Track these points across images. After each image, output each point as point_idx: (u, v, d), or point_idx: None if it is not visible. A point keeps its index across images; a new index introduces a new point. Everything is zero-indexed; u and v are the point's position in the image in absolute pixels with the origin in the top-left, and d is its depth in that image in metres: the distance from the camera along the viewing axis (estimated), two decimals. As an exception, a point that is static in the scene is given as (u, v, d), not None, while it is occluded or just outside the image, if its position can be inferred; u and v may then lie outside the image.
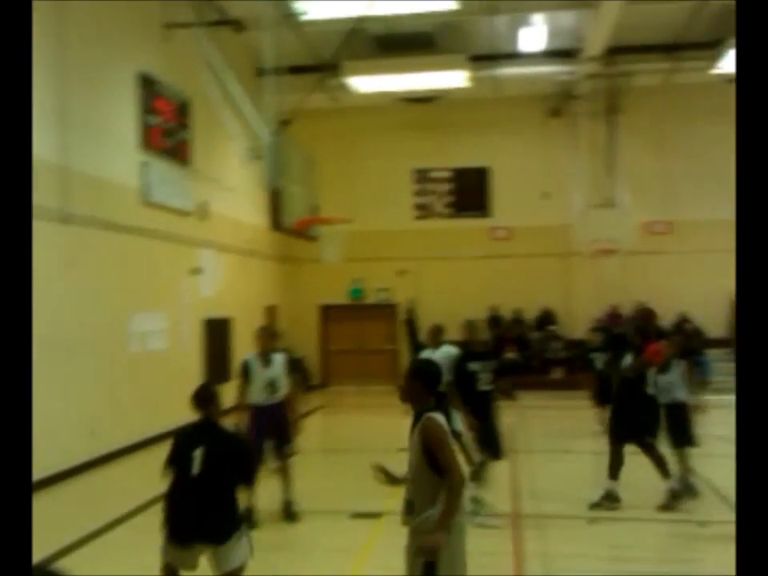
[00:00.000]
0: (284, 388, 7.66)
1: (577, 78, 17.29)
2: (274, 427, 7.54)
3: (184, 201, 13.36)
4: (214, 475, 4.62)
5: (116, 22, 11.37)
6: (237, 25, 13.96)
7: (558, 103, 18.57)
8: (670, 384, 8.03)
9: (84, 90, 10.53)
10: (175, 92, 13.15)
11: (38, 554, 4.90)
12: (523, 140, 19.31)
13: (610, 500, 7.74)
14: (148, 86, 12.23)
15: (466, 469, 8.48)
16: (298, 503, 7.74)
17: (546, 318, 19.00)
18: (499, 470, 7.95)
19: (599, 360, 10.50)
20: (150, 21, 12.25)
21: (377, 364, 18.95)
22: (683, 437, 7.95)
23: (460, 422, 7.96)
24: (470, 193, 19.72)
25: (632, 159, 18.38)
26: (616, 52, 16.01)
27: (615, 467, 7.80)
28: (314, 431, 10.57)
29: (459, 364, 7.80)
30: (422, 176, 19.94)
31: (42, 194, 9.37)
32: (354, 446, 12.03)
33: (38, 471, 8.96)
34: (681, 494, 7.69)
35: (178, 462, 4.71)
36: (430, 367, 4.33)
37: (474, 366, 7.63)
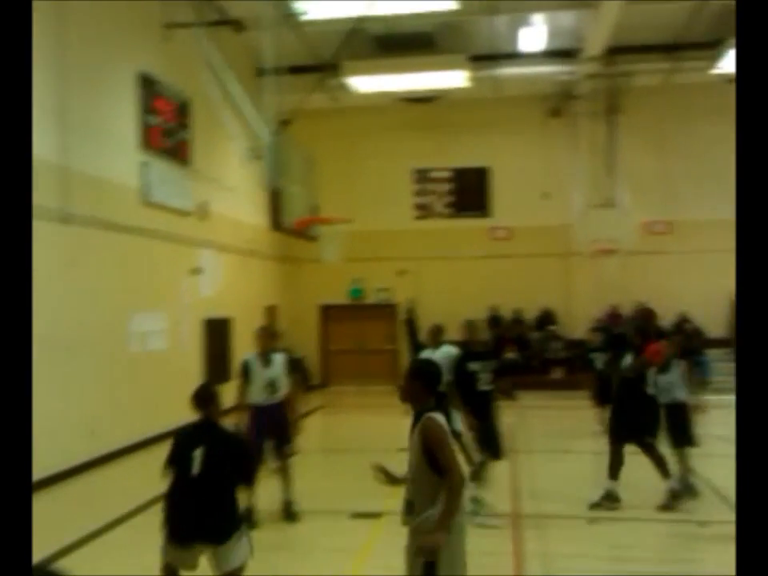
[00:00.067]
0: (284, 388, 7.66)
1: (577, 78, 17.29)
2: (274, 427, 7.54)
3: (184, 201, 13.36)
4: (213, 475, 4.62)
5: (116, 21, 11.37)
6: (237, 25, 13.97)
7: (558, 103, 18.57)
8: (670, 384, 8.03)
9: (84, 90, 10.53)
10: (175, 92, 13.15)
11: (38, 554, 4.91)
12: (523, 140, 19.31)
13: (609, 500, 7.73)
14: (148, 86, 12.23)
15: (465, 469, 8.51)
16: (298, 503, 7.74)
17: (546, 318, 19.00)
18: (499, 470, 7.95)
19: (599, 360, 10.50)
20: (150, 21, 12.25)
21: (377, 364, 18.95)
22: (683, 437, 7.95)
23: (460, 421, 7.97)
24: (470, 193, 19.73)
25: (632, 159, 18.38)
26: (616, 52, 16.01)
27: (615, 467, 7.80)
28: (314, 431, 10.57)
29: (459, 364, 7.80)
30: (422, 176, 19.94)
31: (42, 194, 9.37)
32: (354, 446, 12.03)
33: (39, 471, 8.96)
34: (681, 493, 7.69)
35: (177, 462, 4.71)
36: (430, 367, 4.33)
37: (473, 365, 7.63)
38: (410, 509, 4.10)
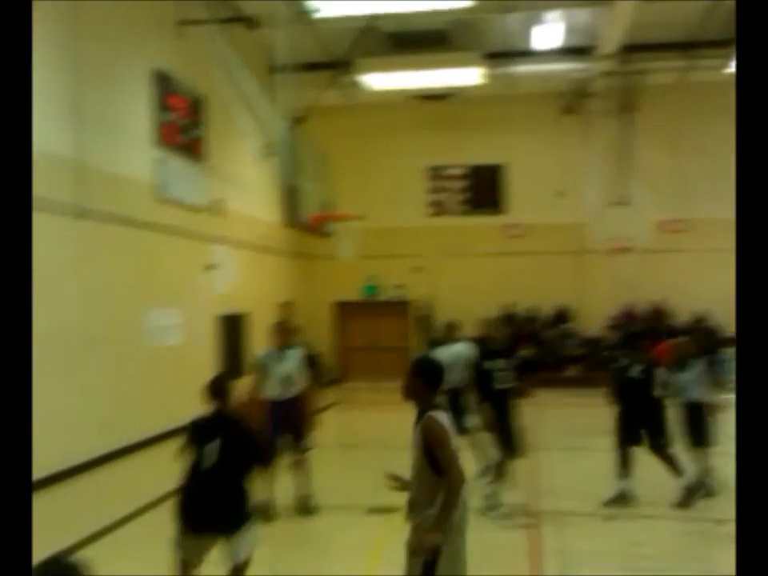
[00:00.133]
0: (299, 383, 7.67)
1: (591, 75, 17.23)
2: (290, 422, 7.54)
3: (198, 197, 13.40)
4: (226, 468, 4.65)
5: (131, 19, 11.41)
6: (250, 22, 13.98)
7: (573, 101, 18.49)
8: (688, 383, 7.97)
9: (99, 87, 10.57)
10: (189, 89, 13.19)
11: (53, 548, 4.94)
12: (537, 137, 19.24)
13: (623, 499, 7.69)
14: (162, 83, 12.27)
15: (471, 468, 8.48)
16: (314, 497, 7.75)
17: (561, 316, 18.94)
18: (516, 467, 7.91)
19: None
20: (164, 18, 12.29)
21: (391, 361, 18.91)
22: (700, 436, 7.90)
23: (472, 419, 7.95)
24: (484, 190, 19.69)
25: (647, 157, 18.29)
26: (631, 50, 15.92)
27: (623, 467, 7.74)
28: (329, 427, 10.57)
29: (476, 362, 7.79)
30: (437, 173, 19.92)
31: (57, 190, 9.44)
32: (369, 441, 12.04)
33: (54, 465, 9.05)
34: (696, 491, 7.62)
35: (192, 454, 4.73)
36: (433, 365, 4.30)
37: (490, 364, 7.59)
38: (412, 506, 4.10)
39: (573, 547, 6.59)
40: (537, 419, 9.04)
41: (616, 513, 7.46)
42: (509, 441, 7.51)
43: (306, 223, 12.05)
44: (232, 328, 14.62)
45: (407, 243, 19.24)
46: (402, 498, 4.31)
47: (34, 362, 8.76)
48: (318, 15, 13.61)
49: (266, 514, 7.37)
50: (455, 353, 8.56)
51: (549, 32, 15.17)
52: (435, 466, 3.96)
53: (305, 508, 7.68)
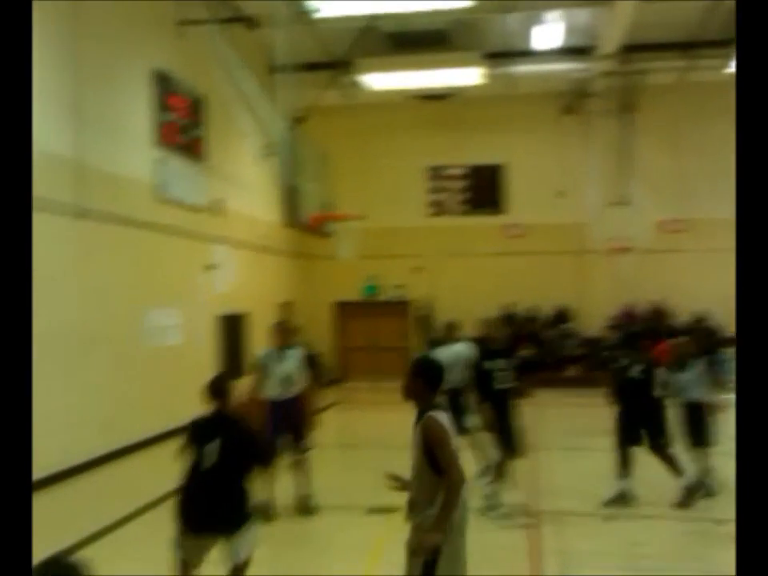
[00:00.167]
0: (299, 383, 7.67)
1: (591, 75, 17.23)
2: (290, 422, 7.54)
3: (198, 197, 13.40)
4: (226, 468, 4.66)
5: (130, 19, 11.40)
6: (250, 22, 13.98)
7: (573, 101, 18.49)
8: (688, 383, 7.97)
9: (99, 87, 10.57)
10: (189, 89, 13.19)
11: (53, 548, 4.94)
12: (537, 137, 19.24)
13: (623, 499, 7.69)
14: (162, 83, 12.27)
15: (472, 467, 8.48)
16: (314, 497, 7.75)
17: (561, 316, 18.94)
18: (516, 467, 7.91)
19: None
20: (164, 18, 12.29)
21: (391, 361, 18.91)
22: (701, 436, 7.90)
23: (472, 419, 7.95)
24: (484, 190, 19.70)
25: (647, 157, 18.29)
26: (631, 50, 15.92)
27: (623, 467, 7.74)
28: (329, 427, 10.57)
29: (476, 362, 7.78)
30: (437, 173, 19.92)
31: (57, 190, 9.44)
32: (369, 441, 12.05)
33: (54, 465, 9.05)
34: (695, 490, 7.62)
35: (192, 454, 4.73)
36: (433, 365, 4.30)
37: (490, 364, 7.58)
38: (412, 506, 4.10)
39: (573, 547, 6.59)
40: (537, 419, 9.05)
41: (616, 513, 7.47)
42: (509, 441, 7.50)
43: (306, 223, 12.04)
44: (232, 328, 14.62)
45: (407, 243, 19.24)
46: (402, 498, 4.31)
47: (35, 362, 8.76)
48: (317, 15, 13.61)
49: (266, 514, 7.37)
50: (455, 353, 8.57)
51: (549, 32, 15.17)
52: (435, 466, 3.96)
53: (305, 508, 7.68)
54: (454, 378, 8.44)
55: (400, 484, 4.28)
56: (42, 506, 8.21)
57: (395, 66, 16.08)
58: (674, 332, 13.95)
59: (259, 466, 5.04)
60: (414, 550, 3.98)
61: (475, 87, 17.13)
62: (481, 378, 7.58)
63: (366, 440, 12.45)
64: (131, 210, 11.16)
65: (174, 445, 5.05)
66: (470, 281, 18.81)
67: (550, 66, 16.73)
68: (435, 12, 14.30)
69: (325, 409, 12.13)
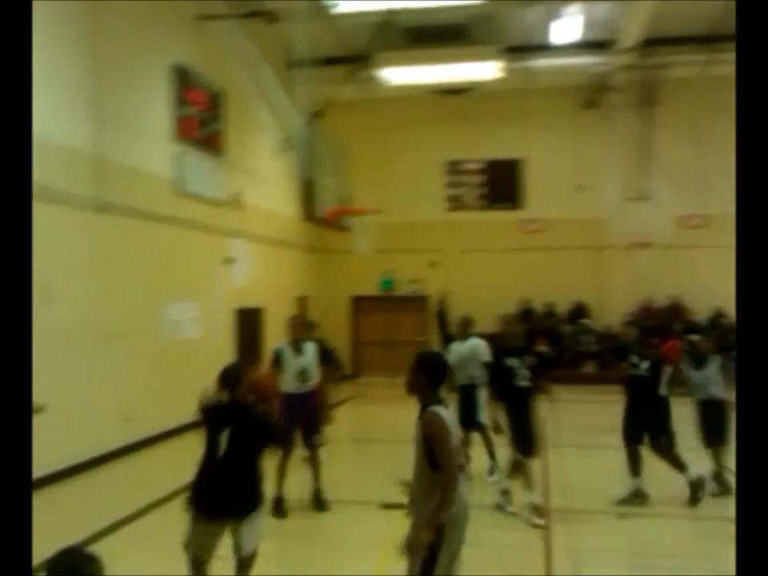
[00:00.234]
0: (315, 377, 7.71)
1: (611, 69, 17.08)
2: (305, 416, 7.59)
3: (217, 191, 13.46)
4: (238, 455, 4.74)
5: (150, 15, 11.46)
6: (269, 17, 14.01)
7: (592, 95, 18.35)
8: (706, 380, 7.93)
9: (119, 81, 10.64)
10: (208, 83, 13.24)
11: (72, 539, 5.01)
12: (556, 132, 19.12)
13: (636, 497, 7.67)
14: (182, 77, 12.33)
15: (482, 464, 8.49)
16: (327, 492, 7.79)
17: (579, 312, 18.85)
18: (531, 466, 7.90)
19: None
20: (183, 13, 12.34)
21: (407, 356, 18.85)
22: (717, 434, 7.86)
23: (487, 415, 7.96)
24: (502, 185, 19.62)
25: (667, 152, 18.13)
26: (651, 43, 15.78)
27: (633, 465, 7.73)
28: (344, 421, 10.62)
29: (495, 359, 7.76)
30: (454, 168, 19.88)
31: (77, 183, 9.54)
32: (383, 436, 12.08)
33: (74, 457, 9.17)
34: (699, 485, 7.58)
35: (206, 442, 4.80)
36: (435, 360, 4.31)
37: (510, 361, 7.49)
38: (413, 502, 4.13)
39: (585, 545, 6.59)
40: (552, 416, 9.02)
41: (629, 511, 7.45)
42: (527, 439, 7.38)
43: (323, 217, 12.10)
44: (249, 322, 14.70)
45: (424, 238, 19.21)
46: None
47: (55, 356, 8.91)
48: (336, 10, 13.63)
49: (279, 508, 7.43)
50: (470, 348, 8.59)
51: (568, 26, 15.06)
52: (433, 462, 3.98)
53: (318, 503, 7.72)
54: (469, 373, 8.49)
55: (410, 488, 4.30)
56: (60, 497, 8.35)
57: (413, 60, 16.04)
58: (690, 329, 13.87)
59: (272, 446, 5.12)
60: (408, 546, 3.99)
61: (494, 81, 17.05)
62: (500, 375, 7.53)
63: (380, 435, 12.49)
64: (150, 204, 11.24)
65: (192, 437, 5.11)
66: (487, 276, 18.77)
67: (569, 60, 16.61)
68: (454, 6, 14.27)
69: (340, 403, 12.18)
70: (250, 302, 14.68)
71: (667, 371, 7.70)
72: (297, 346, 7.68)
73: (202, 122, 13.05)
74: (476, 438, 8.63)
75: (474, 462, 8.04)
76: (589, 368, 17.83)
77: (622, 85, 17.87)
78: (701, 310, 17.68)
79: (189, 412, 5.38)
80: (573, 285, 18.70)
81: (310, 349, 7.76)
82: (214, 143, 13.49)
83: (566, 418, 12.62)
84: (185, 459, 5.28)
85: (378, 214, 12.83)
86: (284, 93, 11.33)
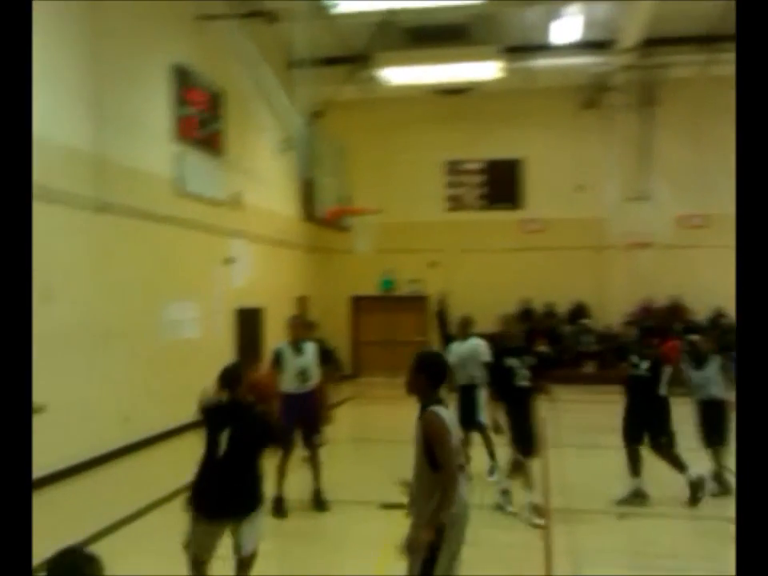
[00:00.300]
0: (315, 377, 7.71)
1: (611, 69, 17.08)
2: (305, 416, 7.59)
3: (217, 191, 13.46)
4: (238, 455, 4.75)
5: (150, 15, 11.46)
6: (269, 17, 14.01)
7: (592, 95, 18.35)
8: (706, 380, 7.93)
9: (119, 82, 10.64)
10: (208, 83, 13.24)
11: (72, 539, 5.01)
12: (556, 132, 19.12)
13: (636, 497, 7.67)
14: (182, 77, 12.33)
15: (482, 464, 8.49)
16: (327, 492, 7.79)
17: (579, 312, 18.86)
18: (531, 466, 7.90)
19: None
20: (183, 13, 12.34)
21: (407, 356, 18.86)
22: (718, 434, 7.85)
23: (487, 415, 7.96)
24: (502, 185, 19.62)
25: (667, 152, 18.13)
26: (651, 43, 15.78)
27: (633, 465, 7.73)
28: (344, 421, 10.62)
29: (495, 359, 7.76)
30: (454, 168, 19.88)
31: (77, 183, 9.54)
32: (383, 436, 12.08)
33: (74, 456, 9.16)
34: (699, 485, 7.58)
35: (206, 442, 4.81)
36: (435, 360, 4.31)
37: (510, 361, 7.48)
38: (412, 502, 4.13)
39: (585, 545, 6.59)
40: (551, 416, 9.03)
41: (629, 511, 7.45)
42: (527, 439, 7.37)
43: (323, 217, 12.10)
44: (249, 322, 14.69)
45: (424, 238, 19.21)
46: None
47: (55, 355, 8.90)
48: (336, 10, 13.63)
49: (279, 509, 7.43)
50: (470, 348, 8.59)
51: (568, 25, 15.07)
52: (433, 462, 3.98)
53: (318, 503, 7.72)
54: (469, 373, 8.49)
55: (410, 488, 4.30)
56: (60, 497, 8.35)
57: (413, 60, 16.04)
58: (690, 328, 13.86)
59: (272, 446, 5.12)
60: (407, 546, 3.99)
61: (494, 81, 17.04)
62: (500, 375, 7.52)
63: (380, 435, 12.49)
64: (150, 204, 11.24)
65: (192, 437, 5.11)
66: (487, 276, 18.77)
67: (569, 60, 16.61)
68: (454, 6, 14.27)
69: (340, 403, 12.18)
70: (250, 302, 14.68)
71: (667, 371, 7.69)
72: (297, 346, 7.68)
73: (201, 121, 13.04)
74: (476, 437, 8.62)
75: (474, 462, 8.04)
76: (589, 368, 17.83)
77: (622, 85, 17.87)
78: (701, 310, 17.69)
79: (189, 412, 5.37)
80: (573, 285, 18.71)
81: (310, 349, 7.76)
82: (213, 143, 13.49)
83: (566, 417, 12.62)
84: (185, 459, 5.28)
85: (378, 214, 12.83)
86: (284, 93, 11.33)
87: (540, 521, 7.02)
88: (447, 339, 9.17)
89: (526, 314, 18.04)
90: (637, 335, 8.45)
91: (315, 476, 7.77)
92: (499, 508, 7.46)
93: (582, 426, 12.48)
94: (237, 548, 4.79)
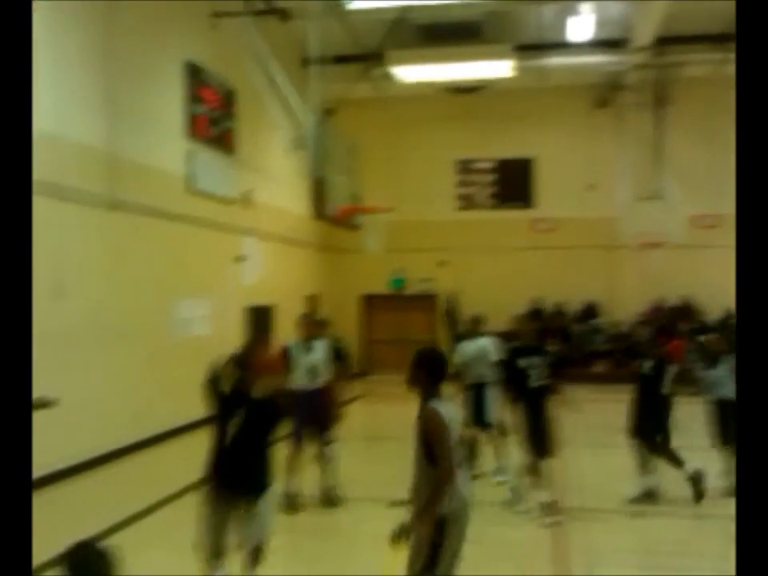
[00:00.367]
0: (325, 374, 7.73)
1: (624, 68, 17.02)
2: (315, 413, 7.61)
3: (228, 189, 13.49)
4: (248, 440, 4.78)
5: (163, 12, 11.50)
6: (283, 14, 14.02)
7: (605, 94, 18.30)
8: (718, 379, 7.90)
9: (132, 80, 10.68)
10: (221, 81, 13.27)
11: (87, 532, 5.03)
12: (568, 131, 19.09)
13: (648, 497, 7.66)
14: (195, 75, 12.37)
15: (490, 463, 8.48)
16: (338, 488, 7.80)
17: (590, 311, 18.81)
18: (547, 466, 7.88)
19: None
20: (197, 10, 12.37)
21: (417, 354, 18.91)
22: (730, 434, 7.82)
23: (494, 413, 7.95)
24: (513, 184, 19.58)
25: (680, 151, 18.06)
26: (665, 42, 15.72)
27: (641, 463, 7.72)
28: (354, 419, 10.61)
29: (509, 359, 7.74)
30: (465, 167, 19.85)
31: (90, 181, 9.59)
32: (393, 434, 12.06)
33: (85, 453, 9.21)
34: (698, 480, 7.58)
35: (216, 429, 4.84)
36: (435, 356, 4.33)
37: (525, 362, 7.45)
38: (413, 497, 4.16)
39: (597, 545, 6.58)
40: (563, 415, 8.99)
41: (642, 510, 7.44)
42: (542, 440, 7.33)
43: (334, 215, 12.09)
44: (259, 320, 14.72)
45: (435, 237, 19.19)
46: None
47: (67, 352, 8.94)
48: (350, 7, 13.63)
49: (292, 505, 7.45)
50: (480, 347, 8.59)
51: (581, 24, 15.02)
52: (431, 457, 4.00)
53: (329, 500, 7.74)
54: (479, 372, 8.49)
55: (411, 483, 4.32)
56: (73, 493, 8.40)
57: (426, 58, 16.03)
58: (698, 329, 13.82)
59: (281, 421, 5.18)
60: (395, 533, 4.01)
61: (506, 80, 17.01)
62: (515, 375, 7.50)
63: (390, 433, 12.49)
64: (163, 202, 11.28)
65: (204, 433, 5.13)
66: (497, 275, 18.75)
67: (581, 59, 16.56)
68: (467, 3, 14.25)
69: (350, 401, 12.18)
70: (260, 300, 14.70)
71: (671, 370, 7.69)
72: (307, 344, 7.71)
73: (214, 119, 13.08)
74: (485, 437, 8.62)
75: (483, 460, 8.04)
76: (599, 367, 17.78)
77: (635, 84, 17.80)
78: (713, 310, 17.60)
79: (199, 408, 5.39)
80: (584, 284, 18.66)
81: (321, 346, 7.78)
82: (225, 141, 13.53)
83: (578, 417, 12.59)
84: (196, 455, 5.29)
85: (389, 213, 12.81)
86: (296, 91, 11.32)
87: (551, 519, 7.01)
88: (456, 338, 9.16)
89: (536, 313, 18.01)
90: (651, 334, 8.44)
91: (326, 472, 7.79)
92: (510, 506, 7.45)
93: (594, 425, 12.43)
94: (245, 539, 4.79)
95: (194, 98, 12.37)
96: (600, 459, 10.02)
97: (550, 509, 7.12)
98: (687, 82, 17.60)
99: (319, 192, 11.17)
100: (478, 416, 8.36)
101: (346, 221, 12.43)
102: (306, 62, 11.73)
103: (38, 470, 7.04)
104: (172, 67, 11.87)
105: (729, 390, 7.84)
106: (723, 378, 7.88)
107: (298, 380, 7.56)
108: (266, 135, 14.51)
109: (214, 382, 4.98)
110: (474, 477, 7.47)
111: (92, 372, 9.49)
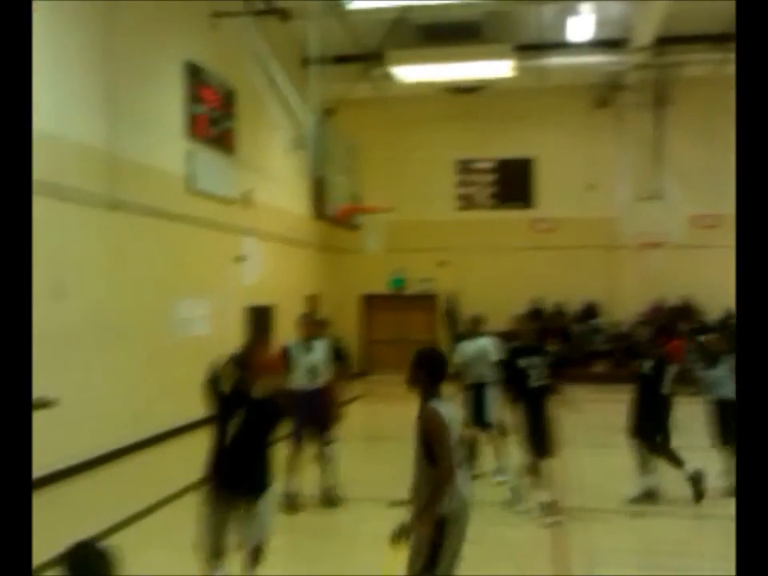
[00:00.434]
0: (325, 374, 7.73)
1: (624, 68, 17.02)
2: (315, 413, 7.61)
3: (228, 189, 13.49)
4: (247, 440, 4.78)
5: (163, 12, 11.50)
6: (283, 14, 14.01)
7: (605, 94, 18.30)
8: (719, 380, 7.90)
9: (132, 79, 10.68)
10: (221, 81, 13.27)
11: (87, 532, 5.03)
12: (568, 131, 19.08)
13: (648, 497, 7.66)
14: (195, 75, 12.37)
15: (489, 462, 8.48)
16: (338, 488, 7.80)
17: (590, 311, 18.81)
18: (546, 465, 7.88)
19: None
20: (197, 10, 12.37)
21: (418, 354, 18.91)
22: (730, 434, 7.82)
23: (493, 413, 7.95)
24: (513, 184, 19.58)
25: (680, 151, 18.05)
26: (665, 42, 15.72)
27: (641, 463, 7.73)
28: (354, 419, 10.62)
29: (509, 360, 7.74)
30: (465, 167, 19.85)
31: (91, 181, 9.59)
32: (393, 434, 12.07)
33: (85, 453, 9.21)
34: (698, 479, 7.58)
35: (217, 429, 4.84)
36: (434, 356, 4.33)
37: (525, 362, 7.45)
38: (413, 496, 4.16)
39: (597, 545, 6.58)
40: (563, 415, 9.00)
41: (642, 510, 7.44)
42: (542, 440, 7.32)
43: (334, 215, 12.09)
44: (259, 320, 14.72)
45: (435, 237, 19.19)
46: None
47: (68, 351, 8.94)
48: (349, 7, 13.63)
49: (292, 505, 7.45)
50: (480, 347, 8.59)
51: (581, 24, 15.02)
52: (431, 457, 4.00)
53: (329, 499, 7.74)
54: (479, 372, 8.49)
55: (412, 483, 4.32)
56: (73, 492, 8.40)
57: (426, 58, 16.02)
58: (698, 329, 13.81)
59: (281, 421, 5.18)
60: (395, 533, 4.01)
61: (506, 80, 17.01)
62: (515, 376, 7.50)
63: (390, 433, 12.49)
64: (163, 202, 11.28)
65: (204, 433, 5.13)
66: (497, 275, 18.75)
67: (582, 59, 16.56)
68: (467, 3, 14.24)
69: (350, 401, 12.18)
70: (260, 300, 14.70)
71: (671, 370, 7.69)
72: (307, 344, 7.71)
73: (214, 119, 13.08)
74: (485, 437, 8.62)
75: (483, 460, 8.03)
76: (599, 367, 17.78)
77: (635, 84, 17.80)
78: (713, 310, 17.60)
79: (199, 408, 5.39)
80: (584, 284, 18.66)
81: (321, 346, 7.78)
82: (225, 141, 13.53)
83: (578, 417, 12.59)
84: (196, 455, 5.29)
85: (389, 213, 12.81)
86: (296, 91, 11.32)
87: (552, 519, 7.00)
88: (456, 338, 9.16)
89: (536, 313, 18.00)
90: (651, 334, 8.44)
91: (326, 472, 7.79)
92: (509, 506, 7.45)
93: (594, 425, 12.43)
94: (245, 539, 4.79)
95: (194, 98, 12.37)
96: (600, 459, 10.01)
97: (550, 509, 7.11)
98: (687, 82, 17.60)
99: (319, 192, 11.17)
100: (478, 416, 8.36)
101: (345, 221, 12.43)
102: (305, 62, 11.73)
103: (38, 469, 7.04)
104: (172, 67, 11.87)
105: (729, 390, 7.84)
106: (723, 377, 7.88)
107: (298, 380, 7.56)
108: (266, 135, 14.51)
109: (214, 382, 4.97)
110: (474, 477, 7.47)
111: (92, 372, 9.49)
